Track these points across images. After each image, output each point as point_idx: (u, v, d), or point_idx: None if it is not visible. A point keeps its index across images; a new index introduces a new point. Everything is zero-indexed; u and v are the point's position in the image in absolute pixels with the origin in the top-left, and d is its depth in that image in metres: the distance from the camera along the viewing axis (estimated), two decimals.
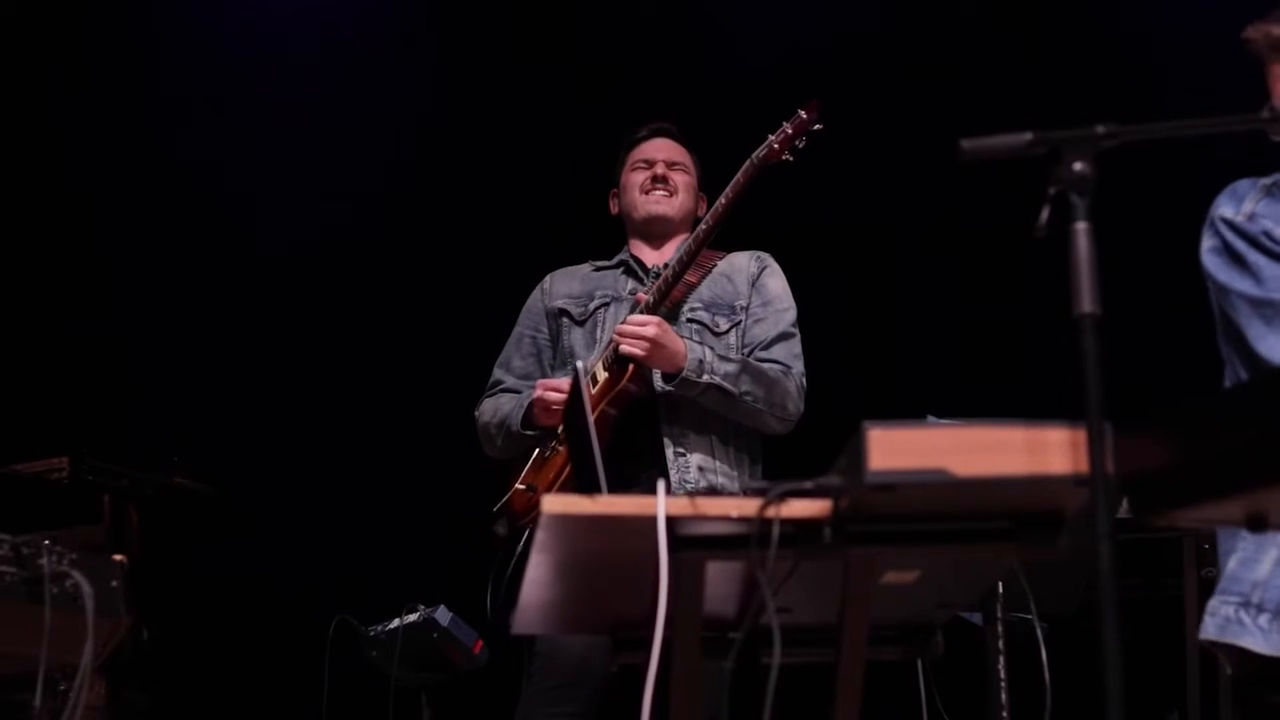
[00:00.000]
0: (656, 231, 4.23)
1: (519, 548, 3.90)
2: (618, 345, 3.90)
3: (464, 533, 4.29)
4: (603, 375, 3.95)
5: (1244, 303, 2.72)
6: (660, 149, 4.29)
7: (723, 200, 3.94)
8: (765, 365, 4.00)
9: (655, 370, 3.92)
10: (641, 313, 3.93)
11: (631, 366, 3.90)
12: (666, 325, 3.91)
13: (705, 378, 3.88)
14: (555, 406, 3.93)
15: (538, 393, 4.00)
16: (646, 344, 3.85)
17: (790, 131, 3.90)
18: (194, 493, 4.87)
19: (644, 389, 3.93)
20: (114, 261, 5.73)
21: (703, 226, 3.97)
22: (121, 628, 3.33)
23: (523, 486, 4.01)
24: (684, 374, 3.87)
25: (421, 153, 5.93)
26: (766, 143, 3.92)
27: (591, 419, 3.60)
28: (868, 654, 2.33)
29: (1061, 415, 2.08)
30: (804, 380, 4.05)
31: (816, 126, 3.90)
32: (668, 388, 3.92)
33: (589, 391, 3.87)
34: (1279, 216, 2.75)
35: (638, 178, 4.25)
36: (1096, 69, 5.47)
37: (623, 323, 3.93)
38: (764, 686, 2.16)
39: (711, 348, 3.96)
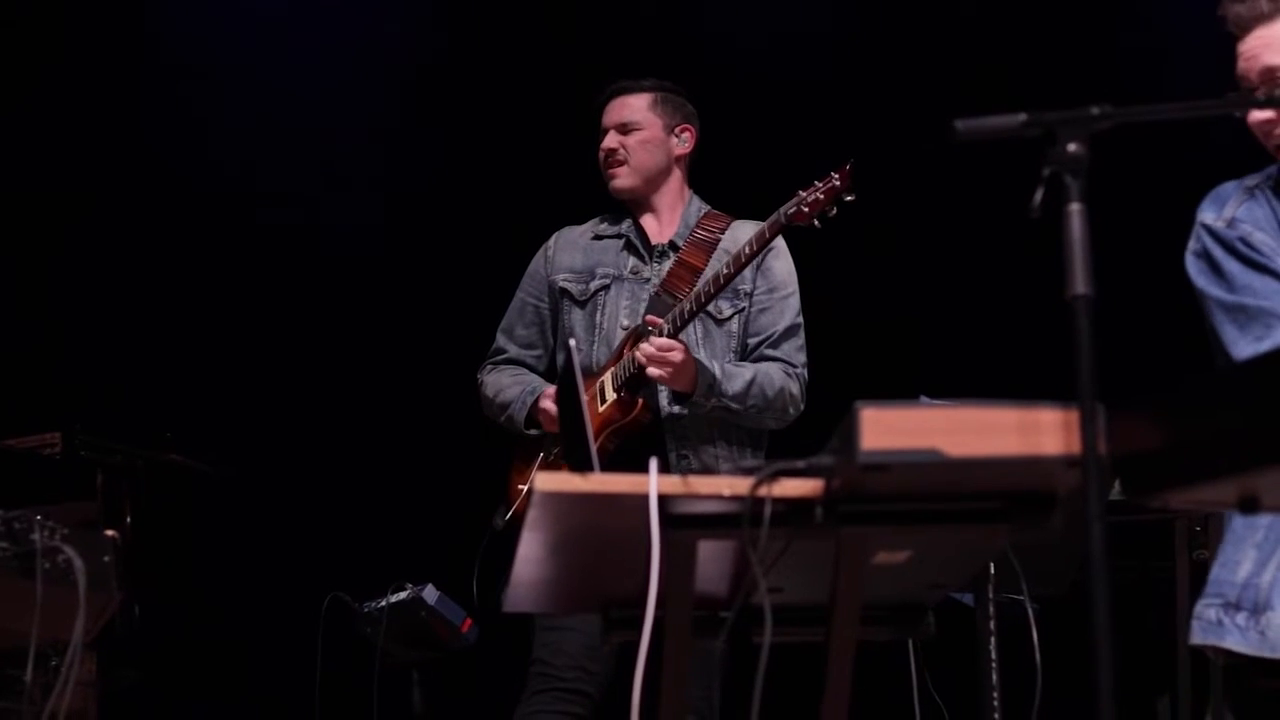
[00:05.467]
0: (628, 204, 4.14)
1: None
2: (638, 368, 3.83)
3: (464, 510, 4.29)
4: (611, 395, 3.90)
5: (1218, 308, 2.76)
6: (611, 114, 4.13)
7: (746, 250, 3.81)
8: (773, 370, 3.97)
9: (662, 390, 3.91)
10: (663, 334, 3.85)
11: (641, 401, 3.88)
12: (687, 349, 3.86)
13: (714, 400, 3.87)
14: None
15: (543, 404, 3.99)
16: (672, 369, 3.82)
17: (821, 197, 3.74)
18: (187, 469, 4.86)
19: (653, 413, 3.92)
20: (106, 237, 5.71)
21: (711, 282, 3.83)
22: (113, 603, 3.33)
23: (524, 487, 4.01)
24: (694, 398, 3.86)
25: (419, 126, 5.90)
26: (795, 200, 3.77)
27: (584, 399, 3.60)
28: (859, 634, 2.33)
29: (1054, 396, 2.09)
30: (806, 374, 4.04)
31: (849, 197, 3.75)
32: (676, 409, 3.90)
33: (585, 392, 3.84)
34: (1257, 221, 2.78)
35: (601, 153, 4.14)
36: (1099, 54, 5.46)
37: (645, 341, 3.84)
38: (755, 666, 2.16)
39: (721, 366, 3.91)
